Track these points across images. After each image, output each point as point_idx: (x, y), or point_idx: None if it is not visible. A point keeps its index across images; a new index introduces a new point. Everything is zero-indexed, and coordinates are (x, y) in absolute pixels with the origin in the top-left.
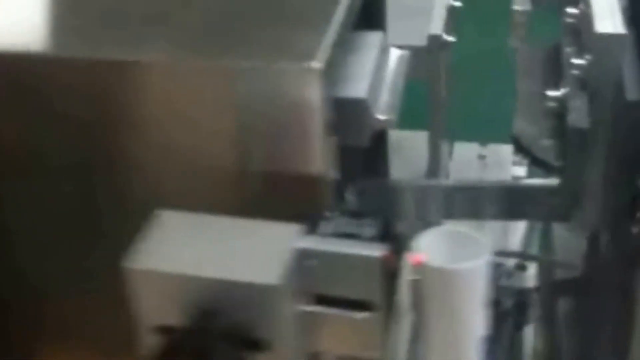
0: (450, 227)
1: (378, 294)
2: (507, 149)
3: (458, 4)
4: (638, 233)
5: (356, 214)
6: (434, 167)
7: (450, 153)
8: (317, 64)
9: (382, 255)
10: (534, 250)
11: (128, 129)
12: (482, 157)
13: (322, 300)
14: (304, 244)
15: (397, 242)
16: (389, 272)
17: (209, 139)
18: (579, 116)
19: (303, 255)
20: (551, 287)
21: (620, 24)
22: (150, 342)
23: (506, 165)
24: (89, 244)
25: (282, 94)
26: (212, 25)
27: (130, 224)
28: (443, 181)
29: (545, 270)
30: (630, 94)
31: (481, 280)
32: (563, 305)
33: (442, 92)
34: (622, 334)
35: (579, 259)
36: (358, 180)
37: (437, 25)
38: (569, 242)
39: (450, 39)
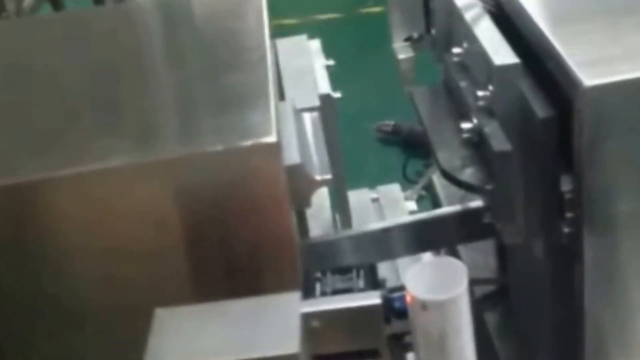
0: (431, 258)
1: (382, 339)
2: (395, 188)
3: (332, 62)
4: (569, 232)
5: (341, 270)
6: (345, 217)
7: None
8: (273, 138)
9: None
10: None
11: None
12: (375, 200)
13: (325, 358)
14: (306, 308)
15: (384, 286)
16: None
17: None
18: (500, 141)
19: (307, 319)
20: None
21: (512, 54)
22: None
23: (400, 202)
24: None
25: (244, 172)
26: (158, 123)
27: None
28: (403, 220)
29: None
30: (541, 112)
31: (465, 305)
32: (490, 317)
33: (338, 146)
34: (563, 326)
35: (494, 274)
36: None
37: (324, 85)
38: (476, 261)
39: (337, 95)
